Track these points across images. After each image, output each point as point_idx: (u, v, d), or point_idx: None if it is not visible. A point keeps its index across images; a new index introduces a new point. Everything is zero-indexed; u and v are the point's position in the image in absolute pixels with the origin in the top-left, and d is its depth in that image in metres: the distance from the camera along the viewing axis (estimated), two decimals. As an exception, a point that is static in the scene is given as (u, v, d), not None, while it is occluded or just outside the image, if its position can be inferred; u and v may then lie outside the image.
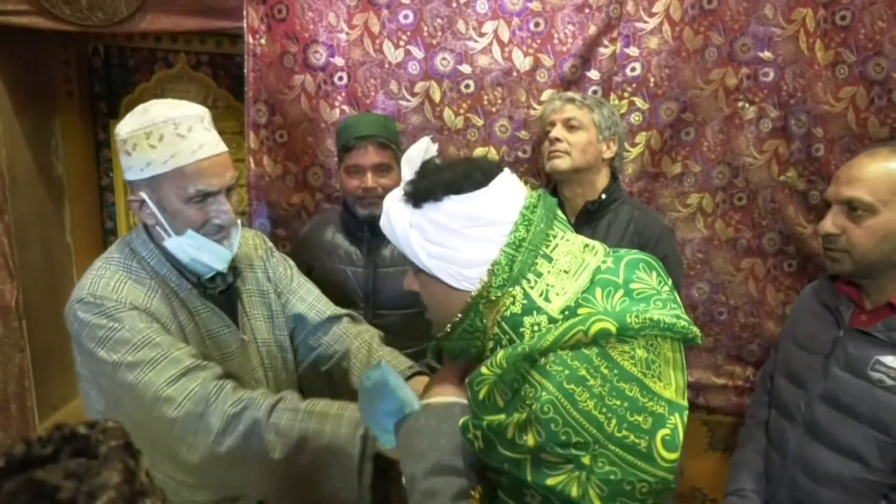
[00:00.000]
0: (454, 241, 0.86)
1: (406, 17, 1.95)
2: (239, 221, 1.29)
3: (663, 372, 0.79)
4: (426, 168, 0.90)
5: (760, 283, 2.12)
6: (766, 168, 2.01)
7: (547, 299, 0.83)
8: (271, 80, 2.01)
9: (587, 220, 1.77)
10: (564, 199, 1.81)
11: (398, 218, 0.90)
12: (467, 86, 1.98)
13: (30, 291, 2.42)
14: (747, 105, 1.97)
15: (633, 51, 1.93)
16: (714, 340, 2.18)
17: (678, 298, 0.87)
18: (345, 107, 2.00)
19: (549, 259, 0.86)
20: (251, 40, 1.98)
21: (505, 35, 1.95)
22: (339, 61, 1.98)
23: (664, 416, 0.77)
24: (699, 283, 2.12)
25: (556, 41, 1.94)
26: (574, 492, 0.75)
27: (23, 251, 2.38)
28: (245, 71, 2.01)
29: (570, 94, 1.82)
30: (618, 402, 0.75)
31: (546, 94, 1.96)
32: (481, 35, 1.95)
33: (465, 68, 1.97)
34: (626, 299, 0.82)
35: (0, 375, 2.43)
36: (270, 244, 1.52)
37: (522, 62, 1.95)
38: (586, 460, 0.75)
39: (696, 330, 0.83)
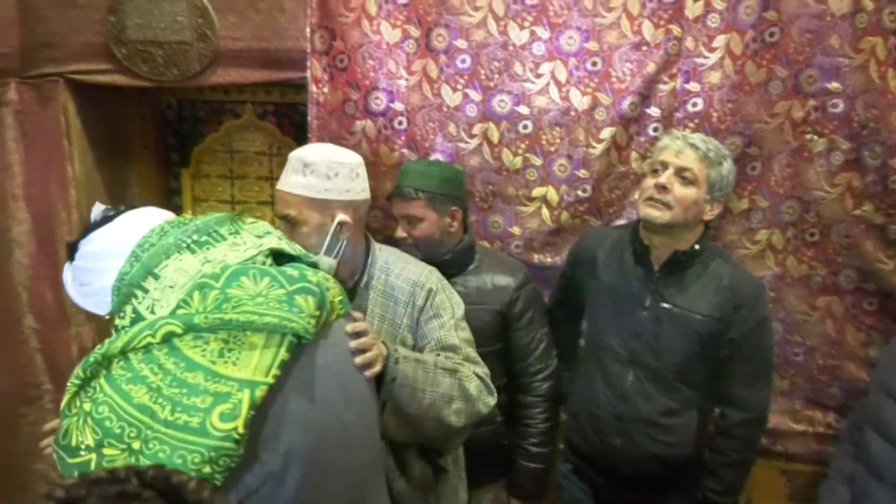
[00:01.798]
0: (90, 276, 1.02)
1: (463, 61, 1.98)
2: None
3: (242, 357, 0.89)
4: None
5: (838, 322, 2.01)
6: (840, 202, 1.93)
7: (152, 312, 0.94)
8: (333, 127, 2.07)
9: (674, 270, 1.67)
10: (651, 246, 1.70)
11: (66, 278, 1.07)
12: (525, 126, 2.00)
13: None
14: (816, 137, 1.91)
15: (693, 86, 1.90)
16: (790, 383, 2.07)
17: (296, 300, 0.96)
18: (405, 150, 2.04)
19: (157, 277, 0.97)
20: (314, 89, 2.05)
21: (562, 75, 1.96)
22: (398, 106, 2.03)
23: (229, 393, 0.86)
24: (772, 322, 2.03)
25: (613, 79, 1.93)
26: None
27: (99, 295, 2.49)
28: (308, 118, 2.08)
29: (695, 137, 1.64)
30: (176, 391, 0.86)
31: (606, 133, 1.95)
32: (538, 76, 1.97)
33: (523, 109, 1.99)
34: (220, 299, 0.93)
35: (75, 415, 2.51)
36: (433, 287, 1.56)
37: (580, 101, 1.96)
38: (136, 445, 0.85)
39: (290, 325, 0.93)
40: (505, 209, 2.09)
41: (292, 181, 1.46)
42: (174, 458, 0.84)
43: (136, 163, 2.68)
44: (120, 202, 2.58)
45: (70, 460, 0.88)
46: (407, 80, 2.01)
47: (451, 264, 1.82)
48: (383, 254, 1.60)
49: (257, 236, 1.07)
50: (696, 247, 1.67)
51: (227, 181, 2.74)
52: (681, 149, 1.62)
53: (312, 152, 1.49)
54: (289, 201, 1.46)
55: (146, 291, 0.96)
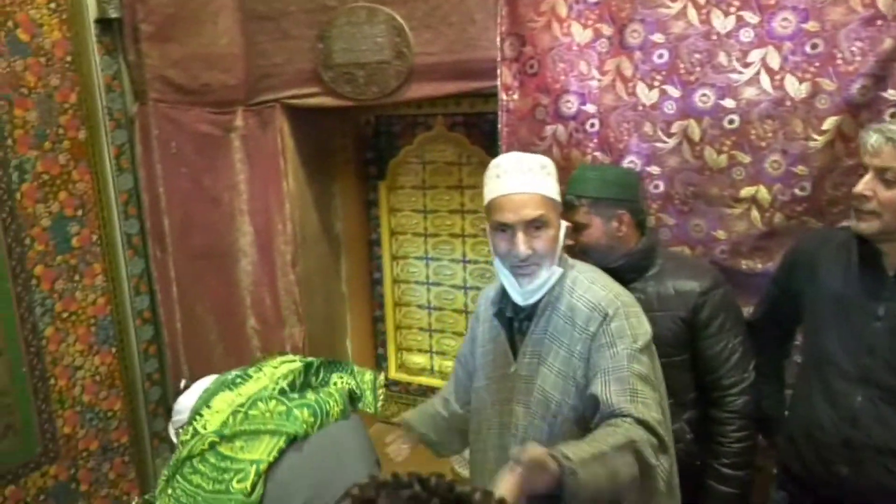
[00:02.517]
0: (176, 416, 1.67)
1: (660, 56, 1.88)
2: (554, 267, 1.44)
3: (253, 448, 1.38)
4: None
5: None
6: None
7: (204, 428, 1.44)
8: (524, 133, 2.07)
9: None
10: (879, 252, 1.48)
11: (170, 430, 1.70)
12: (731, 121, 1.84)
13: (313, 335, 2.75)
14: None
15: (944, 62, 1.62)
16: None
17: (294, 412, 1.43)
18: (597, 153, 1.98)
19: (209, 407, 1.47)
20: (504, 97, 2.06)
21: (775, 62, 1.77)
22: (590, 108, 1.97)
23: (244, 468, 1.36)
24: None
25: (839, 61, 1.71)
26: None
27: (308, 300, 2.72)
28: (498, 126, 2.09)
29: (893, 128, 1.41)
30: (216, 474, 1.38)
31: (829, 122, 1.73)
32: (746, 65, 1.80)
33: (728, 102, 1.83)
34: (244, 418, 1.43)
35: (289, 409, 2.77)
36: (611, 312, 1.40)
37: (798, 89, 1.75)
38: None
39: (284, 429, 1.40)
40: (708, 211, 1.93)
41: (535, 182, 1.40)
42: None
43: (339, 177, 2.89)
44: (326, 214, 2.82)
45: None
46: (599, 80, 1.95)
47: (627, 270, 1.71)
48: (572, 271, 1.48)
49: (273, 367, 1.56)
50: None
51: (419, 191, 2.86)
52: (877, 146, 1.39)
53: (537, 156, 1.46)
54: (537, 202, 1.38)
55: (202, 416, 1.47)
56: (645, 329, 1.41)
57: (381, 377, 1.78)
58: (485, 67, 2.10)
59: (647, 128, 1.92)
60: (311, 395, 1.52)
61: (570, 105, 1.98)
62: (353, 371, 1.74)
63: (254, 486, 1.37)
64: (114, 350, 2.50)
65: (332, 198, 2.89)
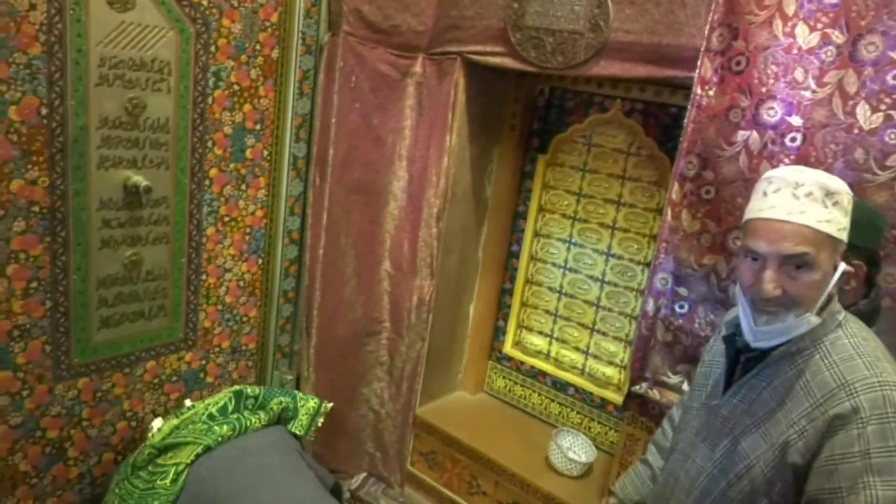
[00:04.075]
0: None
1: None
2: (809, 316, 1.19)
3: (179, 454, 2.01)
4: None
5: None
6: None
7: (151, 439, 2.13)
8: (710, 134, 1.90)
9: None
10: None
11: None
12: (966, 165, 1.58)
13: (441, 291, 2.76)
14: None
15: None
16: None
17: (213, 428, 2.10)
18: (791, 171, 1.78)
19: (160, 430, 2.13)
20: (699, 91, 1.90)
21: None
22: (795, 121, 1.77)
23: (168, 469, 1.98)
24: None
25: None
26: None
27: (445, 256, 2.73)
28: (685, 121, 1.94)
29: None
30: (149, 477, 2.00)
31: None
32: None
33: (968, 143, 1.57)
34: (176, 435, 2.09)
35: (403, 357, 2.82)
36: (867, 406, 1.12)
37: None
38: (130, 501, 2.00)
39: (201, 442, 2.04)
40: (908, 262, 1.70)
41: (811, 211, 1.15)
42: (146, 499, 1.97)
43: (501, 142, 2.85)
44: (480, 176, 2.79)
45: None
46: (814, 92, 1.74)
47: None
48: (837, 329, 1.22)
49: (210, 399, 2.24)
50: None
51: (578, 172, 2.76)
52: None
53: (825, 178, 1.19)
54: (803, 237, 1.15)
55: (154, 435, 2.11)
56: None
57: (328, 406, 2.34)
58: (684, 55, 1.95)
59: (859, 154, 1.70)
60: (233, 416, 2.15)
61: (774, 113, 1.80)
62: (295, 397, 2.28)
63: (173, 480, 1.94)
64: (260, 261, 2.65)
65: (489, 161, 2.86)
